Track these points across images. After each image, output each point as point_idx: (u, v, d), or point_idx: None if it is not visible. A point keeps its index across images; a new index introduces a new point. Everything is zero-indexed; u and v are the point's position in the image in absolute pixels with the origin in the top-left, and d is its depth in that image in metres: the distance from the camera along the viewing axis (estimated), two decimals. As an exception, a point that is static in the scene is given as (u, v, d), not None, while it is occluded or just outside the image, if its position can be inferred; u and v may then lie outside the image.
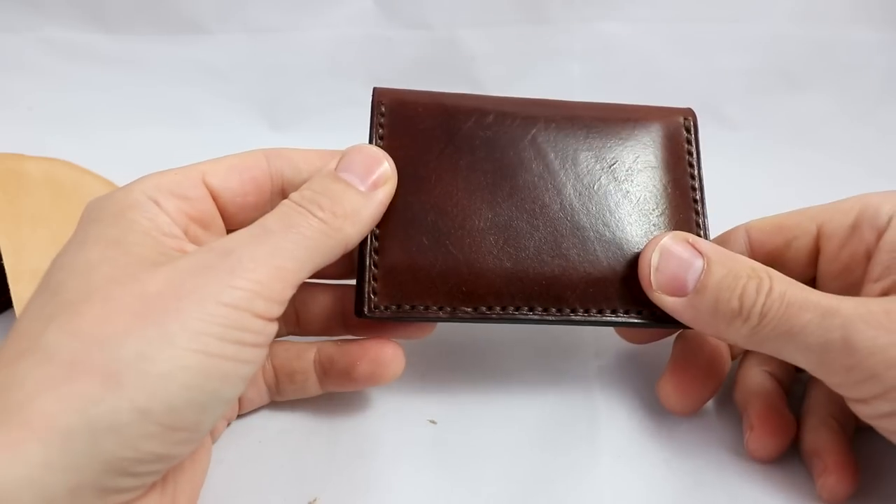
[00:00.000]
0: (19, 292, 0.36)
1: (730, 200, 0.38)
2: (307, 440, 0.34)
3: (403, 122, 0.34)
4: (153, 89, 0.55)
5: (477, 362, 0.38)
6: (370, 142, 0.33)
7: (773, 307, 0.29)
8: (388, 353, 0.33)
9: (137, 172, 0.30)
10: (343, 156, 0.31)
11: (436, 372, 0.37)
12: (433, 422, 0.35)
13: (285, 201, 0.29)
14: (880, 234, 0.31)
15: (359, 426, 0.35)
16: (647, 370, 0.38)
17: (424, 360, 0.37)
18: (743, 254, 0.34)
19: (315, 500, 0.32)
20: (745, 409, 0.34)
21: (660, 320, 0.33)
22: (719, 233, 0.36)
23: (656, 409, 0.36)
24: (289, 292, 0.27)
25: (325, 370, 0.34)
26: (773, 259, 0.34)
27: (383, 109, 0.34)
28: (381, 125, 0.34)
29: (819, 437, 0.32)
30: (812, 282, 0.34)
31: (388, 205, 0.31)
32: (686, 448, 0.34)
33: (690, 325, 0.32)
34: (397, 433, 0.35)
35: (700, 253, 0.31)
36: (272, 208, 0.29)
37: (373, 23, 0.55)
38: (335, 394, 0.36)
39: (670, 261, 0.31)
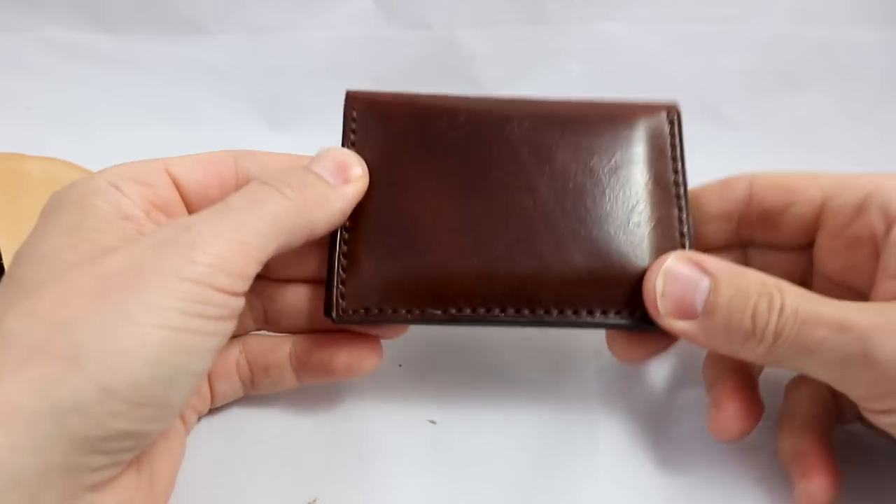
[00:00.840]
0: (19, 292, 0.36)
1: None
2: (307, 440, 0.34)
3: (375, 127, 0.34)
4: (153, 89, 0.55)
5: (477, 362, 0.38)
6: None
7: (786, 325, 0.27)
8: (364, 344, 0.33)
9: (138, 173, 0.30)
10: (315, 156, 0.31)
11: (435, 372, 0.37)
12: (433, 422, 0.35)
13: (252, 181, 0.29)
14: (891, 224, 0.30)
15: (359, 426, 0.35)
16: (647, 370, 0.38)
17: (424, 361, 0.37)
18: (739, 203, 0.34)
19: (315, 500, 0.32)
20: (712, 386, 0.33)
21: (639, 322, 0.31)
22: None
23: (655, 410, 0.36)
24: (252, 268, 0.27)
25: (302, 363, 0.33)
26: (768, 218, 0.33)
27: (355, 115, 0.34)
28: (353, 131, 0.34)
29: (801, 440, 0.31)
30: (806, 248, 0.33)
31: (357, 202, 0.31)
32: (685, 448, 0.34)
33: (706, 347, 0.30)
34: (397, 433, 0.35)
35: (706, 271, 0.29)
36: None
37: (373, 23, 0.55)
38: (335, 394, 0.36)
39: (676, 283, 0.30)
